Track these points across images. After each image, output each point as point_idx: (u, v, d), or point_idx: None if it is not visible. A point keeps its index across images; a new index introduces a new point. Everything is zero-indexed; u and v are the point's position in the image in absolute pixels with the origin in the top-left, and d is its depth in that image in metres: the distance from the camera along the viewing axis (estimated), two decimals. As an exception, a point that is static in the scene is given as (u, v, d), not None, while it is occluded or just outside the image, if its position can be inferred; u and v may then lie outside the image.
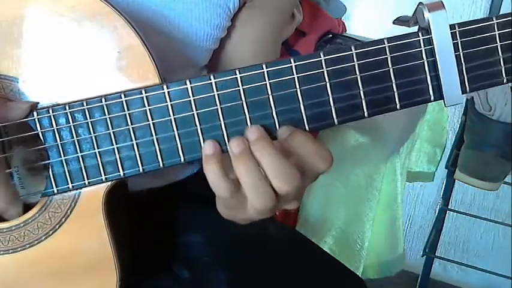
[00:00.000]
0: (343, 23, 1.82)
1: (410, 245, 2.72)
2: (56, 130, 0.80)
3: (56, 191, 0.82)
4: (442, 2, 0.76)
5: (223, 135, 0.79)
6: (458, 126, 2.24)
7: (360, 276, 1.23)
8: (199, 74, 1.10)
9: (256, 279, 1.03)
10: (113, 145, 0.80)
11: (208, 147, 0.78)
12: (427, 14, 0.76)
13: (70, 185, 0.82)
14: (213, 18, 0.99)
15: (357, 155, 1.59)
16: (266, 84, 0.78)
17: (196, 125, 0.78)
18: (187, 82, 0.78)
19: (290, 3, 1.20)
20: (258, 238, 1.07)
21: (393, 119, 1.57)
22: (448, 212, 2.45)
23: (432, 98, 0.79)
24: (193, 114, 0.78)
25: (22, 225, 0.84)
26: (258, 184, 0.76)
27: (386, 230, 1.76)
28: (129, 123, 0.79)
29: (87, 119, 0.80)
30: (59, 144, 0.81)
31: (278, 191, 0.76)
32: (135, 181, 0.91)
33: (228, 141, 0.78)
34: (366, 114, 0.79)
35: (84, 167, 0.81)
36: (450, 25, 0.77)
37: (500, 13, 0.79)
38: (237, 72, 0.78)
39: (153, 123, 0.79)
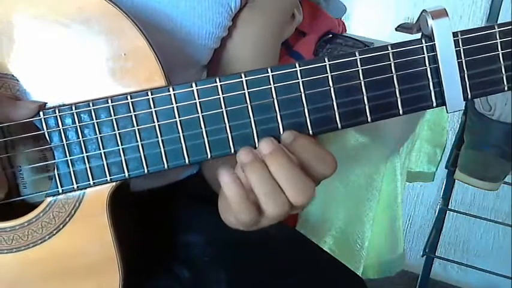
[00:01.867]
0: (343, 23, 1.82)
1: (410, 245, 2.72)
2: (62, 130, 0.81)
3: (60, 191, 0.83)
4: (445, 10, 0.76)
5: (227, 137, 0.79)
6: (458, 126, 2.24)
7: (360, 276, 1.23)
8: (200, 73, 1.10)
9: (256, 279, 1.04)
10: (118, 146, 0.80)
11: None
12: (430, 22, 0.77)
13: (75, 185, 0.82)
14: (215, 16, 1.00)
15: (357, 155, 1.59)
16: (271, 88, 0.78)
17: (201, 128, 0.79)
18: (193, 84, 0.78)
19: (290, 4, 1.21)
20: (258, 238, 1.06)
21: (393, 119, 1.58)
22: (448, 212, 2.45)
23: (434, 104, 0.79)
24: (198, 116, 0.79)
25: (26, 224, 0.84)
26: (273, 192, 0.76)
27: (386, 230, 1.76)
28: (135, 125, 0.80)
29: (93, 120, 0.80)
30: (65, 145, 0.81)
31: (294, 202, 0.76)
32: (136, 181, 0.91)
33: (233, 144, 0.79)
34: (369, 119, 0.79)
35: (90, 167, 0.81)
36: (453, 32, 0.77)
37: (500, 14, 0.80)
38: (243, 75, 0.78)
39: (158, 125, 0.79)
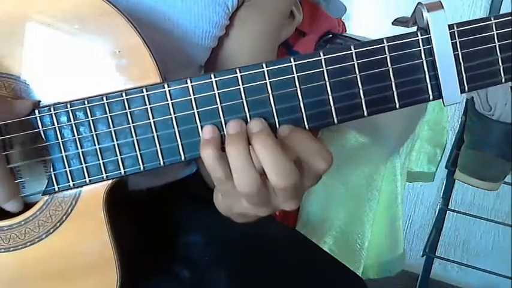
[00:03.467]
0: (343, 23, 1.82)
1: (410, 245, 2.72)
2: (57, 128, 0.81)
3: (57, 189, 0.83)
4: (440, 2, 0.76)
5: (223, 133, 0.79)
6: (458, 126, 2.25)
7: (360, 276, 1.23)
8: (197, 73, 1.10)
9: (256, 279, 1.03)
10: (113, 143, 0.80)
11: (207, 132, 0.78)
12: (426, 14, 0.77)
13: (71, 183, 0.82)
14: (212, 15, 1.00)
15: (357, 155, 1.59)
16: (266, 83, 0.78)
17: (196, 124, 0.79)
18: (188, 81, 0.78)
19: (288, 3, 1.20)
20: (258, 238, 1.07)
21: (393, 119, 1.58)
22: (448, 212, 2.46)
23: (431, 97, 0.79)
24: (193, 112, 0.79)
25: (23, 223, 0.84)
26: (244, 166, 0.76)
27: (387, 230, 1.76)
28: (130, 122, 0.80)
29: (88, 117, 0.80)
30: (60, 143, 0.81)
31: (275, 185, 0.76)
32: (135, 180, 0.91)
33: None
34: (365, 113, 0.79)
35: (85, 165, 0.81)
36: (449, 25, 0.77)
37: (500, 13, 0.79)
38: (238, 71, 0.78)
39: (153, 121, 0.79)
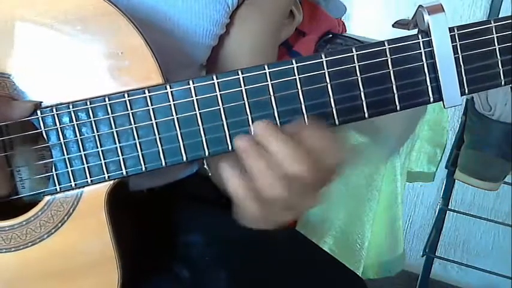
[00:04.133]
0: (343, 23, 1.82)
1: (410, 245, 2.72)
2: (59, 129, 0.81)
3: (58, 190, 0.83)
4: (441, 5, 0.77)
5: (225, 135, 0.79)
6: (458, 126, 2.24)
7: (360, 276, 1.23)
8: (198, 72, 1.10)
9: (256, 279, 1.03)
10: (115, 144, 0.81)
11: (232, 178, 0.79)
12: (426, 17, 0.77)
13: (73, 184, 0.82)
14: (213, 14, 1.00)
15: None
16: (268, 84, 0.78)
17: (198, 125, 0.79)
18: (190, 82, 0.79)
19: (288, 2, 1.20)
20: (258, 238, 1.06)
21: (393, 119, 1.57)
22: (448, 212, 2.45)
23: (432, 99, 0.80)
24: (195, 114, 0.79)
25: (24, 223, 0.84)
26: (264, 170, 0.76)
27: (387, 230, 1.76)
28: (132, 123, 0.80)
29: (90, 118, 0.80)
30: (62, 143, 0.81)
31: (292, 172, 0.76)
32: (135, 180, 0.91)
33: (230, 141, 0.79)
34: (366, 115, 0.80)
35: (87, 165, 0.82)
36: (449, 28, 0.78)
37: (500, 14, 0.79)
38: (240, 72, 0.78)
39: (156, 122, 0.80)
